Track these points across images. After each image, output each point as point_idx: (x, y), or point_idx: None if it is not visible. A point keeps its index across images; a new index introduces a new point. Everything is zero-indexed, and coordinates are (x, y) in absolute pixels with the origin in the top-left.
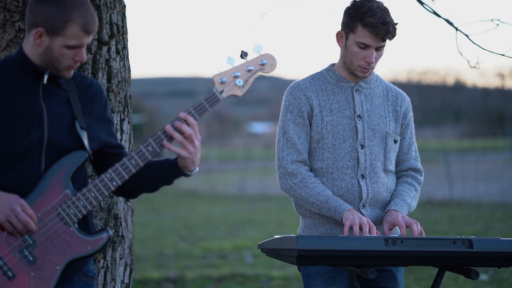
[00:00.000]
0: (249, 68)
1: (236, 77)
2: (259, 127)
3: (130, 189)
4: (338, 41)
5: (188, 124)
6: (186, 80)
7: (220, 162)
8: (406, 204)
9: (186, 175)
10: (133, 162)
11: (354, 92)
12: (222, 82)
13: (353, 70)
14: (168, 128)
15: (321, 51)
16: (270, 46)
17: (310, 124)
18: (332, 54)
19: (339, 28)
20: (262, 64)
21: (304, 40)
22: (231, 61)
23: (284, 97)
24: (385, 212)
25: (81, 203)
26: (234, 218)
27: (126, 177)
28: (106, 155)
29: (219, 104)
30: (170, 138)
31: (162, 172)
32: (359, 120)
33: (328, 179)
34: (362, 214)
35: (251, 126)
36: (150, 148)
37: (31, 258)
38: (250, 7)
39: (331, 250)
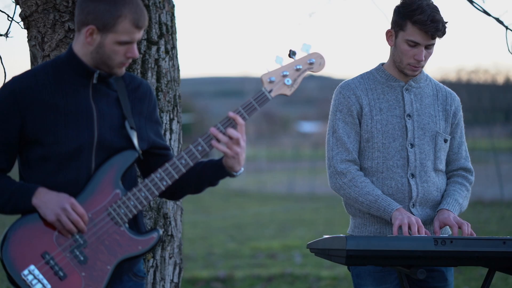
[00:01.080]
0: (298, 67)
1: (284, 76)
2: (308, 127)
3: (174, 190)
4: (387, 40)
5: (236, 124)
6: (235, 80)
7: (269, 162)
8: (458, 204)
9: (232, 176)
10: (183, 161)
11: (404, 91)
12: (271, 81)
13: (402, 69)
14: (213, 130)
15: (371, 51)
16: (318, 45)
17: (360, 123)
18: (382, 53)
19: (389, 26)
20: (311, 63)
21: (354, 39)
22: (280, 60)
23: (333, 96)
24: (437, 211)
25: (132, 202)
26: (283, 218)
27: (176, 176)
28: (153, 156)
29: (267, 104)
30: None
31: (207, 173)
32: (408, 119)
33: (378, 178)
34: (412, 213)
35: (300, 126)
36: (199, 148)
37: (82, 258)
38: (299, 7)
39: (380, 250)
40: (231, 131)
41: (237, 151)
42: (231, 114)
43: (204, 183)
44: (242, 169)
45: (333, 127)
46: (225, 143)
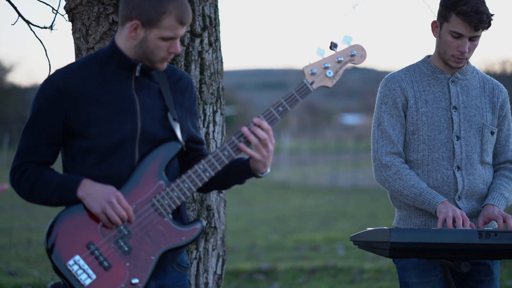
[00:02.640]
0: (339, 59)
1: (326, 68)
2: (351, 119)
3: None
4: (433, 31)
5: (262, 129)
6: (277, 72)
7: (311, 154)
8: (504, 198)
9: (257, 177)
10: (226, 153)
11: (450, 84)
12: (312, 73)
13: (446, 60)
14: (245, 130)
15: (416, 43)
16: (360, 37)
17: (405, 116)
18: (427, 45)
19: (434, 18)
20: (352, 55)
21: (399, 31)
22: (321, 52)
23: (379, 88)
24: (482, 207)
25: (175, 194)
26: (326, 210)
27: (219, 168)
28: (187, 149)
29: (310, 96)
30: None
31: (234, 171)
32: (454, 111)
33: (424, 170)
34: (457, 206)
35: (343, 118)
36: (242, 139)
37: (126, 249)
38: None
39: (424, 243)
40: (258, 130)
41: (264, 154)
42: (256, 120)
43: (231, 181)
44: (268, 170)
45: (378, 119)
46: (255, 145)
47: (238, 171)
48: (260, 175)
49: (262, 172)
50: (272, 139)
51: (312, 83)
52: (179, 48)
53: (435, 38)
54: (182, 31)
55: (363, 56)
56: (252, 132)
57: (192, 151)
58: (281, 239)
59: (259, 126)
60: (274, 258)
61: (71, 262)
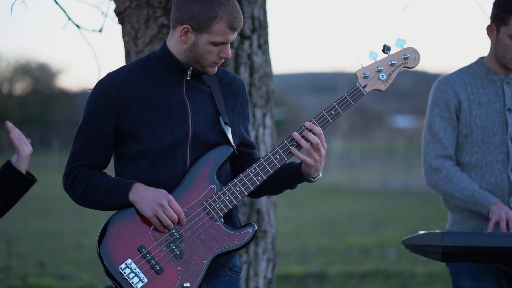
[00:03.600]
0: (392, 62)
1: (379, 71)
2: (402, 121)
3: (253, 189)
4: (488, 34)
5: (314, 133)
6: (328, 75)
7: (362, 157)
8: None
9: (309, 181)
10: (278, 157)
11: (504, 85)
12: (365, 77)
13: (505, 63)
14: (296, 135)
15: (467, 45)
16: (413, 39)
17: (458, 118)
18: (480, 47)
19: (486, 18)
20: (405, 58)
21: (450, 33)
22: (374, 55)
23: (431, 91)
24: None
25: (227, 197)
26: (377, 214)
27: (271, 171)
28: (238, 153)
29: (361, 98)
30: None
31: (285, 176)
32: (509, 113)
33: (477, 173)
34: (511, 209)
35: (394, 120)
36: (294, 143)
37: (178, 252)
38: (393, 0)
39: (476, 247)
40: (309, 135)
41: (317, 159)
42: (308, 124)
43: (283, 186)
44: (320, 175)
45: (429, 122)
46: (307, 150)
47: (290, 176)
48: (312, 179)
49: (314, 176)
50: (324, 143)
51: (365, 86)
52: (229, 52)
53: (490, 40)
54: (233, 36)
55: (416, 59)
56: (304, 137)
57: (243, 155)
58: (332, 242)
59: (310, 131)
60: (324, 262)
61: (123, 265)
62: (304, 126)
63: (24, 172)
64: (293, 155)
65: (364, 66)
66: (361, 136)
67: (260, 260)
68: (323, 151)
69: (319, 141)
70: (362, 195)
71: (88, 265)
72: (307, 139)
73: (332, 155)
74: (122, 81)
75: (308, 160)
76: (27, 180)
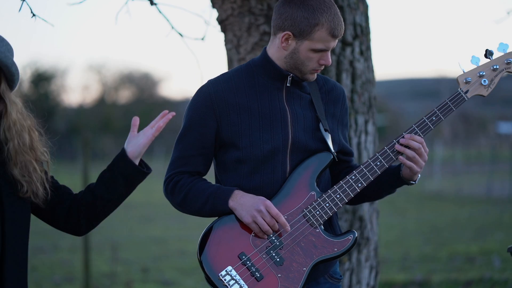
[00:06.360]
0: (495, 67)
1: (481, 76)
2: (507, 127)
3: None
4: None
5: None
6: (429, 81)
7: (465, 164)
8: None
9: (409, 184)
10: (378, 163)
11: None
12: (467, 82)
13: None
14: (398, 147)
15: None
16: None
17: None
18: None
19: None
20: (508, 63)
21: None
22: (476, 60)
23: None
24: None
25: (327, 204)
26: (481, 221)
27: (371, 178)
28: (337, 160)
29: (463, 104)
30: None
31: (385, 181)
32: None
33: None
34: None
35: (498, 126)
36: (395, 150)
37: (278, 259)
38: (496, 4)
39: None
40: (411, 142)
41: (422, 164)
42: (407, 136)
43: (383, 191)
44: (419, 176)
45: None
46: (412, 157)
47: (389, 181)
48: (412, 182)
49: (414, 180)
50: (426, 147)
51: (466, 91)
52: (330, 59)
53: None
54: (334, 43)
55: None
56: (405, 145)
57: (342, 163)
58: (435, 250)
59: (411, 139)
60: (428, 269)
61: (223, 272)
62: (403, 134)
63: (137, 162)
64: (394, 161)
65: (466, 71)
66: (463, 143)
67: (362, 268)
68: (426, 155)
69: (421, 146)
70: (465, 202)
71: (192, 272)
72: (408, 147)
73: (435, 162)
74: (222, 88)
75: (415, 167)
76: (140, 172)
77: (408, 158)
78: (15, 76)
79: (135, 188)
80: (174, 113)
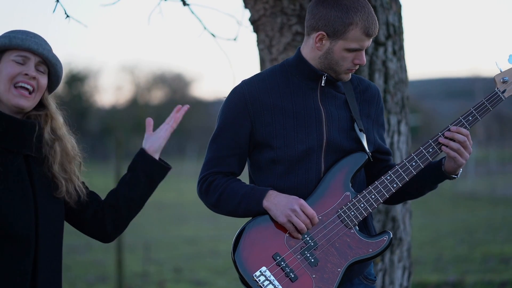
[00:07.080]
0: None
1: None
2: None
3: (394, 195)
4: None
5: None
6: (463, 80)
7: (500, 164)
8: None
9: (452, 179)
10: (413, 163)
11: None
12: (504, 82)
13: None
14: (442, 140)
15: None
16: None
17: None
18: None
19: None
20: None
21: None
22: None
23: None
24: None
25: (362, 205)
26: None
27: (407, 179)
28: (374, 160)
29: (499, 104)
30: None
31: (427, 177)
32: None
33: None
34: None
35: None
36: (430, 150)
37: (312, 260)
38: None
39: None
40: (456, 135)
41: (467, 157)
42: (453, 128)
43: (425, 187)
44: (461, 170)
45: None
46: (457, 149)
47: (431, 177)
48: (455, 176)
49: (457, 173)
50: (471, 141)
51: (503, 91)
52: (364, 59)
53: None
54: (368, 42)
55: None
56: (450, 138)
57: (379, 162)
58: (469, 251)
59: (457, 132)
60: (461, 270)
61: (257, 273)
62: (449, 126)
63: (156, 157)
64: (429, 162)
65: (503, 70)
66: (498, 143)
67: (395, 268)
68: (471, 148)
69: (466, 139)
70: (500, 203)
71: (224, 272)
72: (452, 139)
73: (469, 162)
74: (256, 88)
75: (460, 158)
76: (161, 166)
77: (453, 149)
78: (60, 79)
79: (157, 186)
80: (188, 106)
